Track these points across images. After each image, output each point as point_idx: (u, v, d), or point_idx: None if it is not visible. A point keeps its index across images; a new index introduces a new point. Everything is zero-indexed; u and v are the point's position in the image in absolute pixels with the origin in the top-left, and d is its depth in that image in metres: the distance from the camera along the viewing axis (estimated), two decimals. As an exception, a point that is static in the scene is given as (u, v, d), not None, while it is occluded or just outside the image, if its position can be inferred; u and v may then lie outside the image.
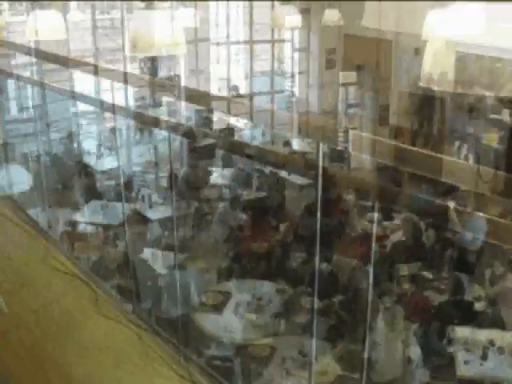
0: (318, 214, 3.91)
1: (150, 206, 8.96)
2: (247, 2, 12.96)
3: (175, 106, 9.35)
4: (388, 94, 11.43)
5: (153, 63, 11.41)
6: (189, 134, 9.85)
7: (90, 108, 11.57)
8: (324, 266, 6.52)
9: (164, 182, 9.67)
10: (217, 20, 13.58)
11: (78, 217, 8.68)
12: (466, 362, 5.76)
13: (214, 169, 10.43)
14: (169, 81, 11.12)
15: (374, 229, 6.23)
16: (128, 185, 8.89)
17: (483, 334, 5.99)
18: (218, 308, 6.64)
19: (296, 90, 14.13)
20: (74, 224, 8.34)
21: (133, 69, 11.16)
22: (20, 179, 8.66)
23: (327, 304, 6.20)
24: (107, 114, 10.75)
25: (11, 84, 11.03)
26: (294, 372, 5.64)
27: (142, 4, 4.05)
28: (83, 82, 11.07)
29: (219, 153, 10.62)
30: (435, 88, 3.12)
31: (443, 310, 6.42)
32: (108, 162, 10.27)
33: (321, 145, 3.93)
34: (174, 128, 7.87)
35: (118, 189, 8.69)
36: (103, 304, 4.45)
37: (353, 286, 6.54)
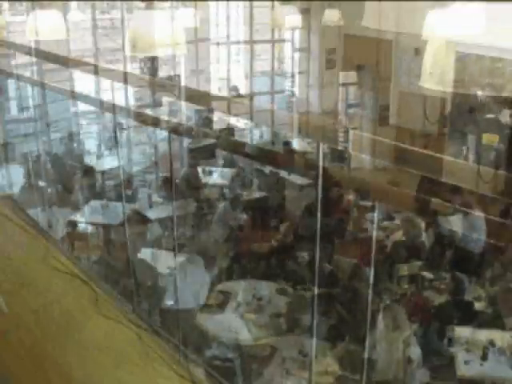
0: (318, 214, 3.91)
1: (151, 206, 8.97)
2: (247, 2, 12.95)
3: (175, 105, 9.34)
4: (388, 94, 11.42)
5: (153, 63, 11.40)
6: (187, 134, 9.85)
7: (91, 108, 11.57)
8: (324, 266, 6.52)
9: (164, 183, 9.65)
10: (217, 20, 13.57)
11: (77, 216, 8.69)
12: (466, 362, 5.75)
13: (214, 169, 10.43)
14: (169, 81, 11.11)
15: (375, 229, 6.23)
16: (127, 184, 8.88)
17: (483, 334, 5.98)
18: (218, 308, 6.64)
19: (296, 89, 14.12)
20: (73, 224, 8.33)
21: (133, 69, 11.15)
22: (20, 179, 8.66)
23: (327, 303, 6.20)
24: (108, 114, 10.76)
25: (11, 84, 11.03)
26: (294, 372, 5.64)
27: (142, 4, 4.05)
28: (83, 81, 11.08)
29: (219, 153, 10.62)
30: (434, 88, 3.12)
31: (443, 310, 6.42)
32: (108, 162, 10.27)
33: (321, 145, 3.93)
34: (174, 128, 7.88)
35: (117, 189, 8.70)
36: (103, 304, 4.45)
37: (353, 285, 6.54)
